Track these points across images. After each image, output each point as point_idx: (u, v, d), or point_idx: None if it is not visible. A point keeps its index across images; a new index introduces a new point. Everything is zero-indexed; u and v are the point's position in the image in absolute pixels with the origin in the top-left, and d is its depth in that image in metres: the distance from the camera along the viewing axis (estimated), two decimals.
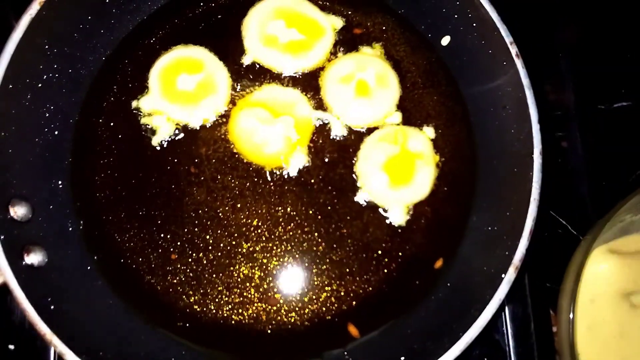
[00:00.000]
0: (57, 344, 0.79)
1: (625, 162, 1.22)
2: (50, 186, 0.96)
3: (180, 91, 1.03)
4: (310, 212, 1.01)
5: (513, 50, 0.91)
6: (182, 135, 1.04)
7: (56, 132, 0.98)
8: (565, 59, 1.28)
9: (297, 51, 1.06)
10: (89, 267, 0.96)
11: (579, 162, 1.22)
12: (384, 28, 1.11)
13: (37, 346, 1.06)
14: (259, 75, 1.07)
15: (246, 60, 1.08)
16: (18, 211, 0.87)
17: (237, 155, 1.03)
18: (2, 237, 0.81)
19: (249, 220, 1.00)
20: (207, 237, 1.00)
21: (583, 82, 1.26)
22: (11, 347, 1.07)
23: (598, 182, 1.20)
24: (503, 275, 0.84)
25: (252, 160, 1.03)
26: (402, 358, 0.88)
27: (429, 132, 1.05)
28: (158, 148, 1.03)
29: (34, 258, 0.86)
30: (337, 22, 1.10)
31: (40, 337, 1.02)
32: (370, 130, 1.05)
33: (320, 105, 1.06)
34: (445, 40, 1.07)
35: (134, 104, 1.04)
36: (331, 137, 1.05)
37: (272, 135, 1.02)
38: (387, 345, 0.94)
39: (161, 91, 1.03)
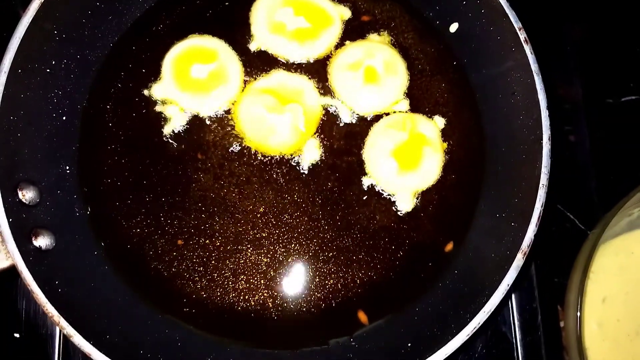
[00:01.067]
0: (65, 326, 0.79)
1: (633, 156, 1.21)
2: (58, 171, 0.97)
3: (192, 80, 1.03)
4: (317, 199, 1.01)
5: (522, 35, 0.90)
6: (189, 122, 1.04)
7: (64, 118, 0.98)
8: (573, 53, 1.27)
9: (304, 39, 1.06)
10: (95, 252, 0.97)
11: (587, 156, 1.21)
12: (391, 15, 1.10)
13: (42, 334, 1.07)
14: (267, 62, 1.07)
15: (252, 47, 1.07)
16: (26, 194, 0.87)
17: (244, 143, 1.03)
18: (10, 219, 0.82)
19: (256, 207, 1.00)
20: (214, 223, 1.00)
21: (591, 76, 1.26)
22: (17, 335, 1.08)
23: (606, 176, 1.20)
24: (511, 261, 0.83)
25: (259, 149, 1.03)
26: (410, 344, 0.88)
27: (439, 122, 1.05)
28: (168, 136, 1.03)
29: (41, 241, 0.87)
30: (345, 12, 1.10)
31: (46, 324, 1.06)
32: (378, 117, 1.05)
33: (328, 92, 1.06)
34: (454, 27, 1.07)
35: (146, 91, 1.05)
36: (339, 125, 1.05)
37: (280, 123, 1.02)
38: (395, 332, 0.94)
39: (174, 79, 1.04)
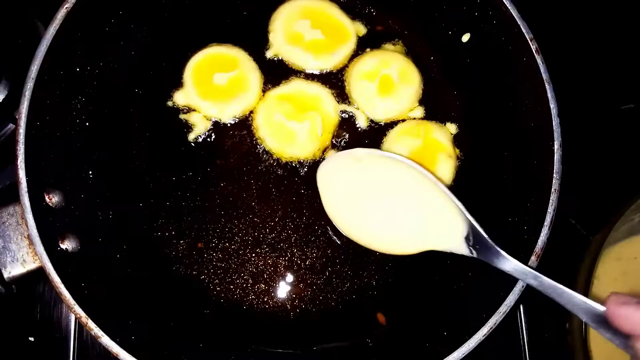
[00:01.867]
0: (93, 327, 0.80)
1: (632, 163, 1.23)
2: (82, 176, 0.98)
3: (213, 87, 1.06)
4: None
5: (533, 46, 0.93)
6: (210, 128, 1.06)
7: (87, 124, 0.99)
8: (572, 61, 1.30)
9: (319, 51, 1.09)
10: (118, 256, 0.98)
11: (587, 163, 1.22)
12: (405, 25, 1.13)
13: (57, 338, 1.09)
14: (285, 70, 1.10)
15: (268, 54, 1.10)
16: (53, 198, 0.88)
17: (261, 148, 1.06)
18: (39, 223, 0.83)
19: (274, 212, 1.03)
20: (233, 227, 1.02)
21: (590, 85, 1.28)
22: (31, 339, 1.09)
23: (606, 183, 1.22)
24: (525, 264, 0.85)
25: (278, 155, 1.05)
26: (427, 344, 0.89)
27: (451, 128, 1.08)
28: (191, 143, 1.05)
29: (68, 244, 0.88)
30: (361, 29, 1.13)
31: (61, 328, 1.08)
32: (394, 124, 1.07)
33: (345, 99, 1.09)
34: (466, 37, 1.09)
35: (169, 100, 1.07)
36: (355, 131, 1.07)
37: (299, 130, 1.04)
38: (412, 333, 0.96)
39: (195, 86, 1.06)
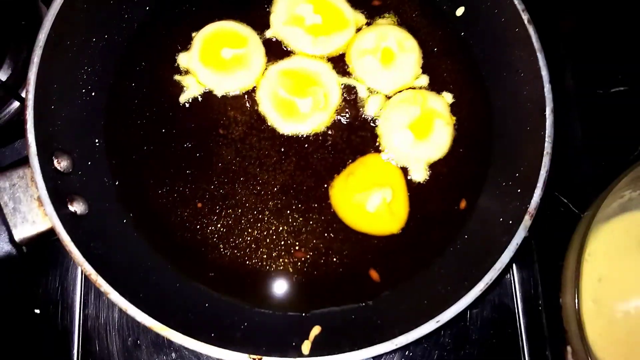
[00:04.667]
0: (102, 284, 0.83)
1: (622, 142, 1.25)
2: (89, 144, 1.01)
3: (217, 58, 1.08)
4: (335, 172, 1.05)
5: (525, 17, 0.96)
6: (211, 99, 1.09)
7: (93, 94, 1.02)
8: (564, 46, 1.32)
9: (318, 36, 1.11)
10: (125, 221, 1.00)
11: (579, 143, 1.26)
12: (401, 0, 1.16)
13: (62, 310, 1.11)
14: (287, 53, 1.12)
15: (267, 34, 1.12)
16: (61, 162, 0.91)
17: (263, 118, 1.08)
18: (48, 185, 0.85)
19: (276, 179, 1.05)
20: (236, 194, 1.04)
21: (582, 68, 1.31)
22: (37, 311, 1.11)
23: (597, 162, 1.24)
24: (520, 222, 0.89)
25: (281, 130, 1.07)
26: (426, 301, 0.92)
27: (447, 97, 1.10)
28: (187, 106, 1.07)
29: (77, 207, 0.90)
30: (361, 19, 1.14)
31: (66, 300, 1.10)
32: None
33: (345, 73, 1.11)
34: (460, 11, 1.12)
35: (169, 70, 1.09)
36: (356, 103, 1.09)
37: (302, 105, 1.07)
38: (410, 292, 0.99)
39: (200, 52, 1.08)
